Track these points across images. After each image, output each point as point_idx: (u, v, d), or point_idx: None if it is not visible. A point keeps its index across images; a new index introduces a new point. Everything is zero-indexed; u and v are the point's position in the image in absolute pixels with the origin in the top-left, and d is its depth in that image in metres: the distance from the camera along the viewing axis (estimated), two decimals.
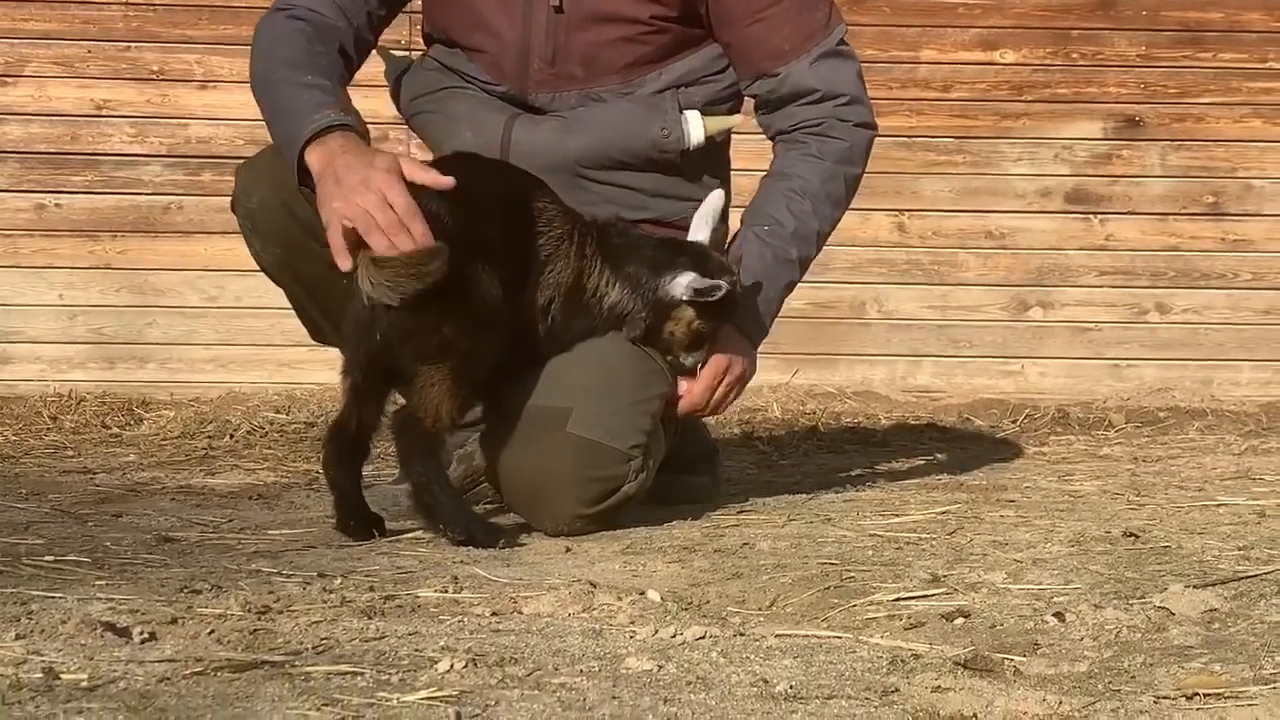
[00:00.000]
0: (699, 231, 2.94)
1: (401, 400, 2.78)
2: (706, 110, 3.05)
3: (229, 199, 4.76)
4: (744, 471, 3.79)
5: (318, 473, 3.54)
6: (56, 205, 4.99)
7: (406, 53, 3.22)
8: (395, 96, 3.19)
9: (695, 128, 3.01)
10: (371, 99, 3.46)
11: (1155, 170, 5.23)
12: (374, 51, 3.14)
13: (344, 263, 2.65)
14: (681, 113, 3.01)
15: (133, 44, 4.99)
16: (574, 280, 2.84)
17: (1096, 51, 5.21)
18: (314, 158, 2.73)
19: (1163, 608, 2.20)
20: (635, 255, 2.88)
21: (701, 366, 2.93)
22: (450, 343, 2.68)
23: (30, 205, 4.98)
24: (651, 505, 3.09)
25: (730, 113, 3.12)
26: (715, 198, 2.97)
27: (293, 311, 3.13)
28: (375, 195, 2.61)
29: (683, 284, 2.82)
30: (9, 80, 4.96)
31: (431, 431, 2.68)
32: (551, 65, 2.98)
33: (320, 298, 2.97)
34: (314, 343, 3.24)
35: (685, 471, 3.26)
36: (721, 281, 2.83)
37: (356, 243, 2.63)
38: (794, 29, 3.03)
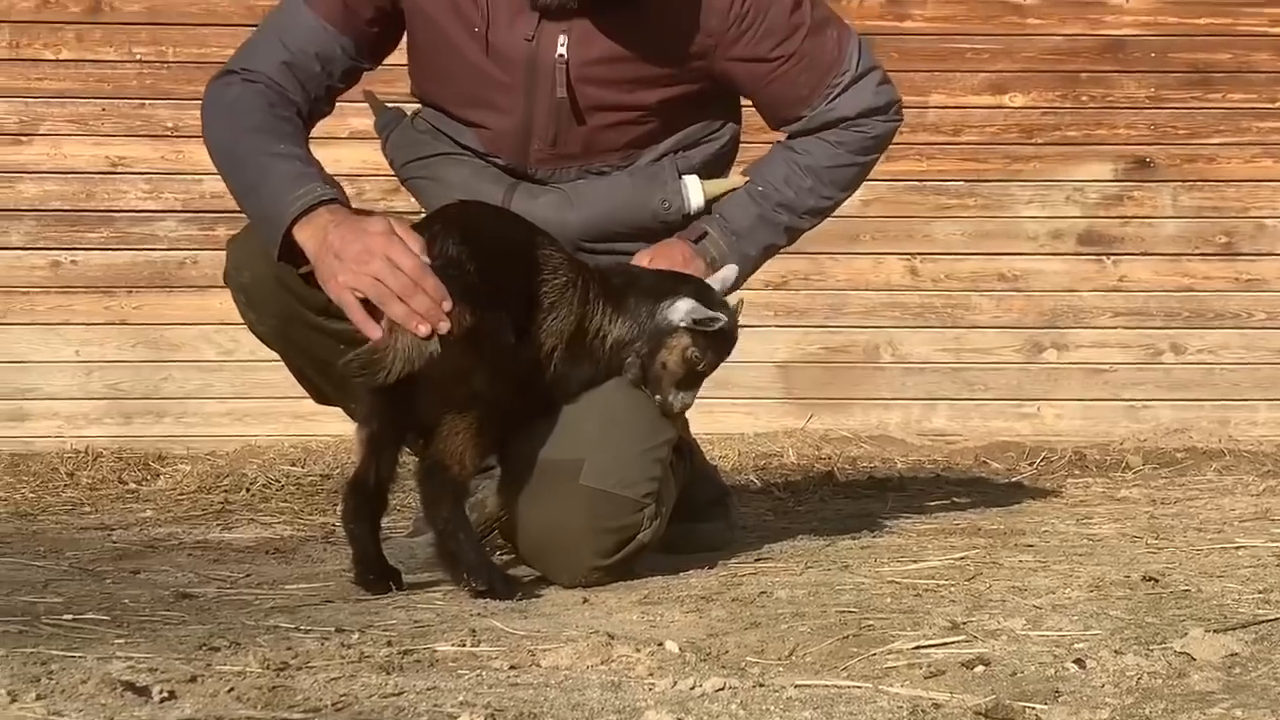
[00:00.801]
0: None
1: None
2: (705, 173, 3.05)
3: None
4: (760, 518, 3.78)
5: (334, 525, 3.55)
6: (72, 262, 5.01)
7: (397, 105, 3.18)
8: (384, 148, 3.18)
9: (695, 194, 3.01)
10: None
11: (1167, 211, 5.23)
12: (365, 100, 3.15)
13: (374, 332, 2.63)
14: (681, 179, 3.01)
15: (146, 101, 5.02)
16: (576, 326, 2.82)
17: (1105, 94, 5.23)
18: (305, 236, 2.71)
19: (1183, 653, 2.19)
20: (636, 287, 2.86)
21: None
22: (477, 392, 2.68)
23: (46, 262, 5.01)
24: (667, 554, 3.09)
25: (729, 167, 3.12)
26: (728, 271, 2.96)
27: None
28: (381, 261, 2.61)
29: (681, 310, 2.80)
30: (24, 139, 4.99)
31: (457, 479, 2.68)
32: (552, 146, 2.98)
33: (320, 363, 2.97)
34: None
35: (698, 518, 3.25)
36: (720, 314, 2.82)
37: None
38: (810, 74, 3.01)
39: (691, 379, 2.87)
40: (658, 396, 2.87)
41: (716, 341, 2.86)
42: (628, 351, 2.85)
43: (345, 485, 2.83)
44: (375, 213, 2.82)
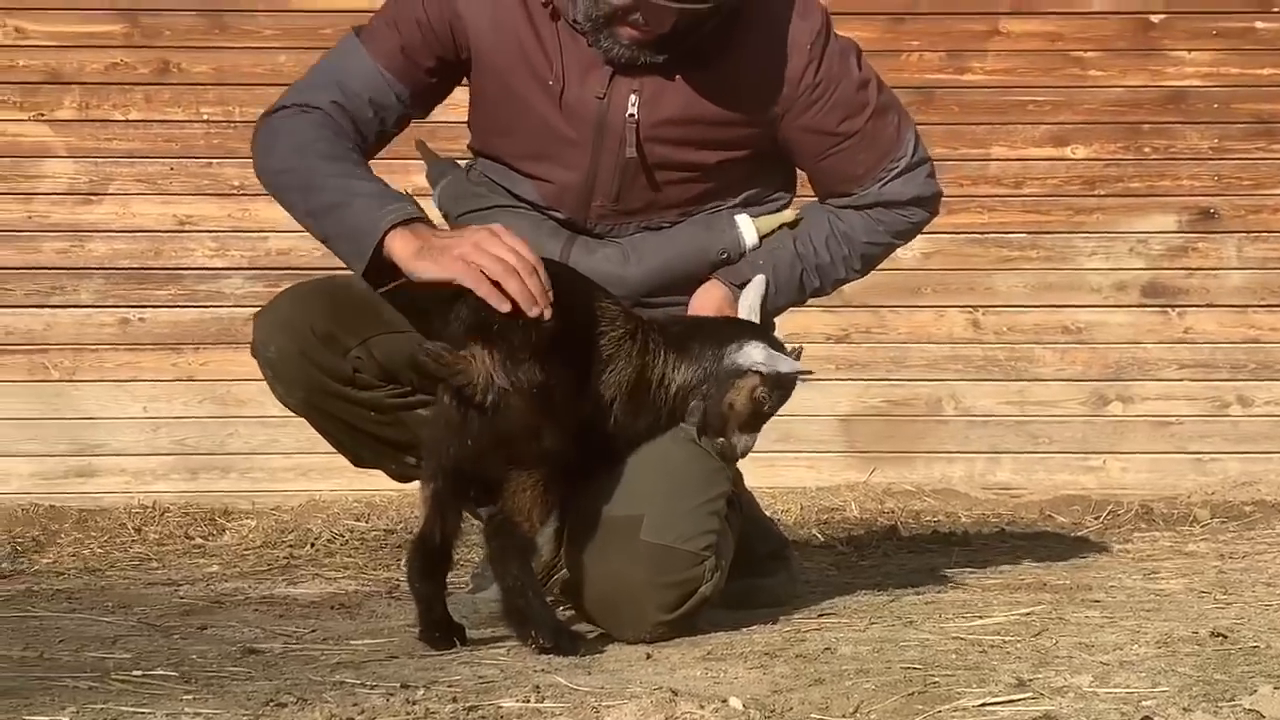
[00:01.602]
0: (747, 315, 2.96)
1: None
2: (755, 211, 3.06)
3: None
4: (823, 573, 3.76)
5: (398, 580, 3.56)
6: (140, 319, 5.06)
7: (449, 156, 3.19)
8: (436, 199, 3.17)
9: (749, 233, 3.01)
10: None
11: (1232, 262, 5.21)
12: (417, 150, 3.15)
13: (503, 305, 2.61)
14: (733, 221, 3.02)
15: (214, 161, 5.08)
16: (636, 377, 2.82)
17: (1168, 145, 5.22)
18: (399, 243, 2.69)
19: (1253, 710, 2.17)
20: (698, 333, 2.87)
21: None
22: (546, 450, 2.68)
23: (115, 320, 5.06)
24: (730, 610, 3.08)
25: (781, 208, 3.12)
26: (758, 283, 2.97)
27: None
28: (499, 245, 2.63)
29: (754, 354, 2.81)
30: (94, 198, 5.06)
31: (526, 535, 2.68)
32: (615, 202, 2.98)
33: (351, 429, 3.01)
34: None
35: (760, 573, 3.25)
36: (793, 359, 2.84)
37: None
38: (869, 154, 3.03)
39: (755, 421, 2.86)
40: (720, 439, 2.86)
41: (783, 384, 2.86)
42: (694, 395, 2.85)
43: (411, 544, 2.83)
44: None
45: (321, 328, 2.88)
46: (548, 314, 2.62)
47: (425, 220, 2.74)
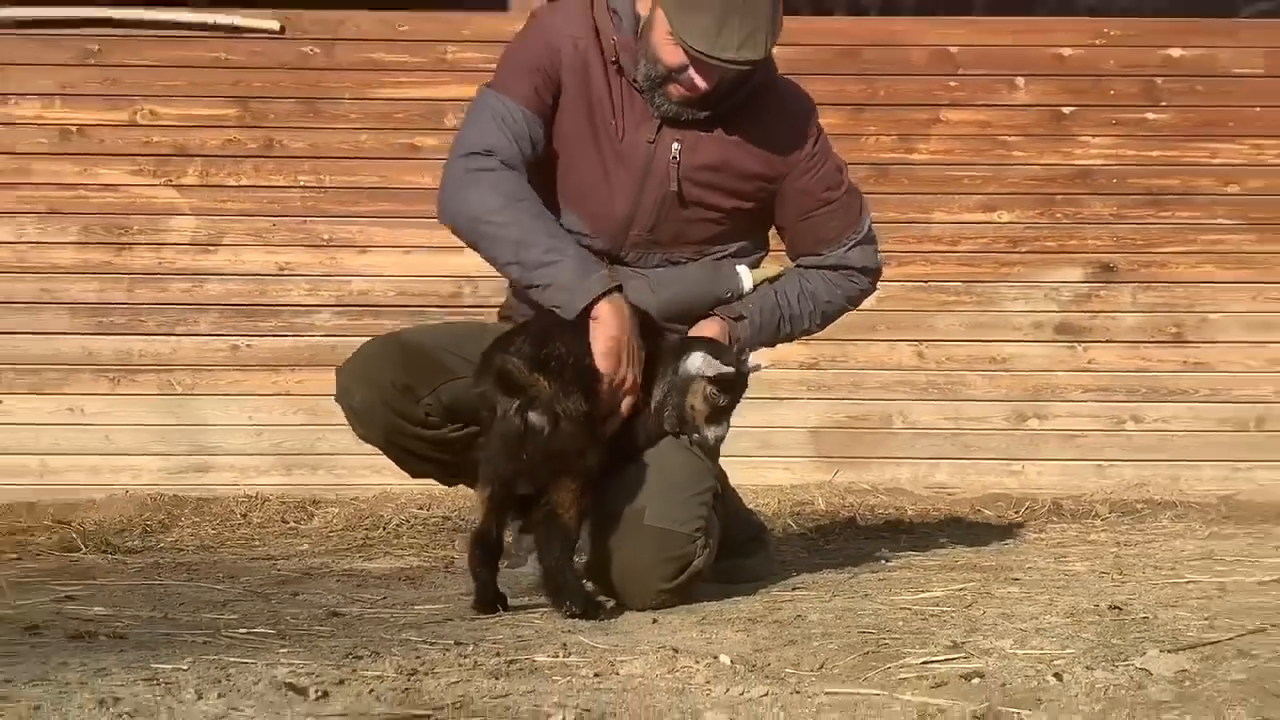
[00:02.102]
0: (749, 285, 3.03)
1: None
2: (749, 262, 3.09)
3: None
4: (796, 555, 3.76)
5: (453, 558, 3.57)
6: (248, 346, 5.07)
7: None
8: None
9: (747, 280, 3.05)
10: None
11: (1128, 307, 5.20)
12: None
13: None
14: (736, 269, 3.04)
15: (308, 218, 5.09)
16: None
17: (1076, 211, 5.21)
18: (609, 317, 2.75)
19: (1143, 669, 2.17)
20: (659, 357, 2.87)
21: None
22: (590, 467, 2.70)
23: (227, 346, 5.07)
24: (719, 585, 3.08)
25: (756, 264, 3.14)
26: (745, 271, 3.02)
27: None
28: (629, 370, 2.78)
29: (695, 362, 2.83)
30: (212, 248, 5.07)
31: (567, 525, 2.69)
32: (650, 233, 2.98)
33: (414, 455, 3.02)
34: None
35: (741, 554, 3.25)
36: (725, 366, 2.83)
37: None
38: (839, 221, 3.08)
39: (717, 414, 2.86)
40: (695, 434, 2.87)
41: (727, 382, 2.84)
42: (667, 406, 2.87)
43: (471, 538, 2.82)
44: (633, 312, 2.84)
45: (400, 381, 2.88)
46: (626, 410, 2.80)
47: (620, 288, 2.79)
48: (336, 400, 3.02)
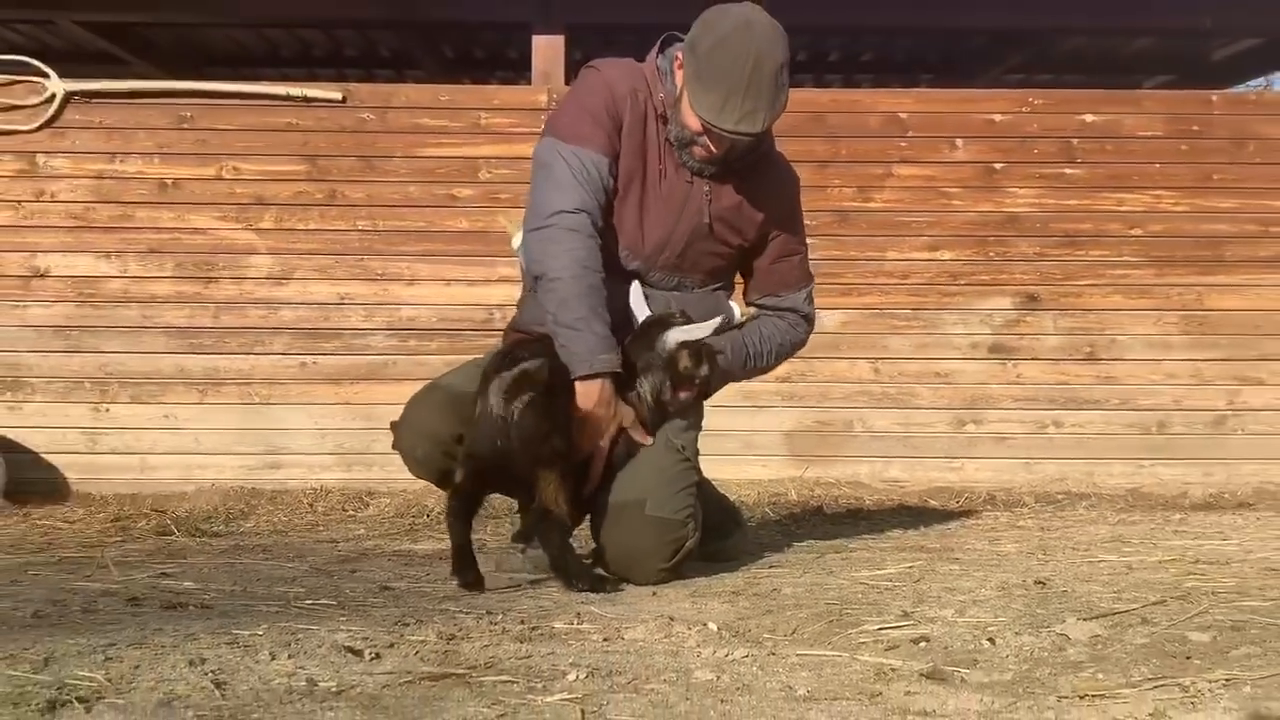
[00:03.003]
0: (641, 311, 2.90)
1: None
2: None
3: (428, 358, 4.87)
4: (772, 538, 3.75)
5: (485, 540, 3.56)
6: (314, 362, 5.08)
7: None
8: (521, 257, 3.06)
9: (737, 311, 3.05)
10: None
11: (1049, 330, 5.20)
12: (502, 221, 3.13)
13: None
14: (729, 303, 3.05)
15: (364, 256, 5.10)
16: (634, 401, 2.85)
17: (1006, 251, 5.22)
18: (586, 391, 2.72)
19: (1062, 634, 2.16)
20: (639, 347, 2.83)
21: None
22: (557, 450, 2.66)
23: (297, 363, 5.08)
24: (706, 564, 3.08)
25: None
26: (635, 287, 2.92)
27: None
28: (603, 439, 2.78)
29: (670, 339, 2.81)
30: (284, 281, 5.08)
31: (557, 517, 2.66)
32: (678, 257, 2.96)
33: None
34: None
35: (721, 537, 3.25)
36: (698, 335, 2.83)
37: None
38: (797, 272, 3.13)
39: (690, 381, 2.85)
40: (682, 394, 2.86)
41: (702, 351, 2.84)
42: (663, 392, 2.83)
43: (450, 494, 2.79)
44: (621, 406, 2.81)
45: (455, 433, 2.83)
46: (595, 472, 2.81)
47: (615, 374, 2.75)
48: (397, 448, 2.98)
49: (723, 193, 2.95)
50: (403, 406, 3.02)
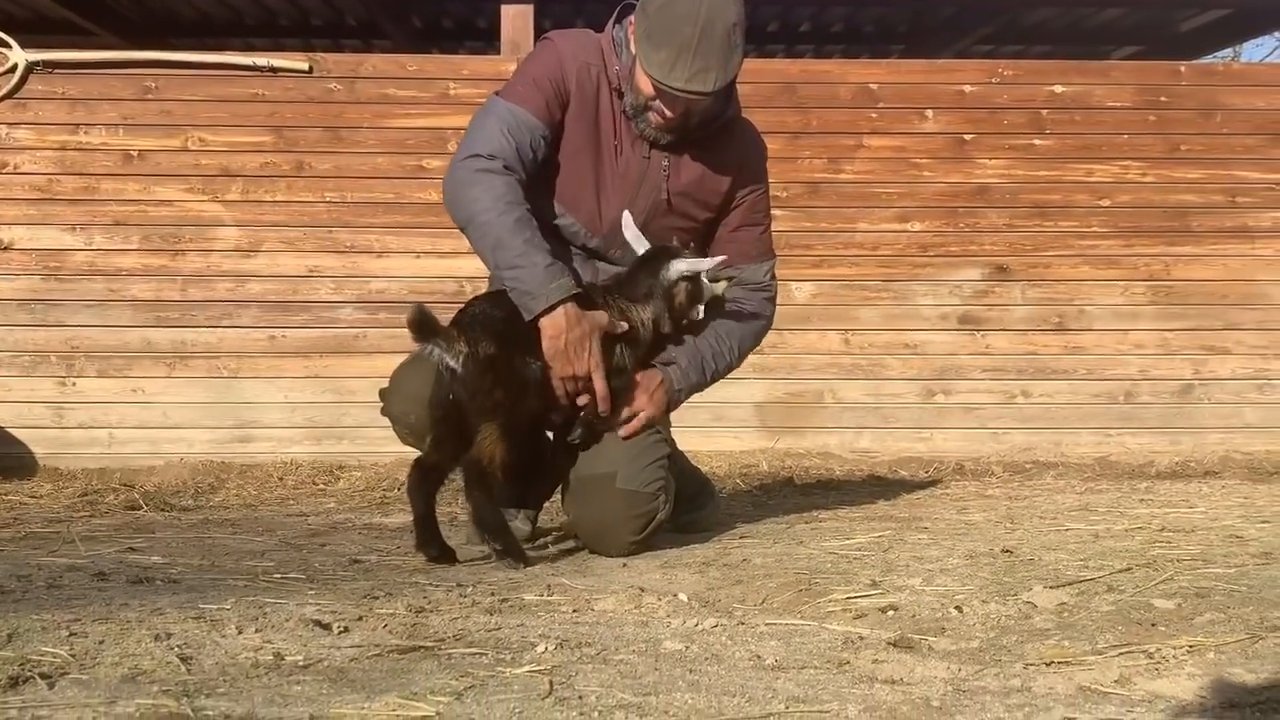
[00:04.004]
0: (639, 244, 2.85)
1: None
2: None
3: (398, 330, 4.83)
4: (743, 508, 3.76)
5: (456, 514, 3.54)
6: (283, 335, 5.04)
7: None
8: None
9: (715, 286, 2.99)
10: None
11: (1018, 300, 5.22)
12: None
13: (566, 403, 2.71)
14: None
15: (333, 228, 5.06)
16: (631, 329, 2.77)
17: (975, 222, 5.23)
18: (549, 324, 2.64)
19: (1029, 602, 2.18)
20: (640, 275, 2.79)
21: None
22: (499, 403, 2.59)
23: (266, 336, 5.04)
24: (678, 535, 3.08)
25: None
26: (626, 217, 2.86)
27: None
28: (575, 367, 2.66)
29: (678, 268, 2.76)
30: (252, 253, 5.04)
31: (485, 471, 2.58)
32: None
33: None
34: None
35: (693, 508, 3.24)
36: (698, 266, 2.77)
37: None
38: (761, 246, 3.06)
39: (694, 300, 2.81)
40: (685, 320, 2.83)
41: (701, 282, 2.81)
42: (660, 315, 2.79)
43: (413, 464, 2.74)
44: (589, 317, 2.69)
45: None
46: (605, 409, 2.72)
47: (578, 297, 2.67)
48: (385, 414, 2.93)
49: (682, 165, 2.90)
50: (373, 380, 3.00)
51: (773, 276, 3.09)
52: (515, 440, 2.62)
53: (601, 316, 2.70)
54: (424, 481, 2.71)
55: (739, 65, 2.75)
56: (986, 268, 5.21)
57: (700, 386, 2.98)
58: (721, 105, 2.87)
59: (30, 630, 1.89)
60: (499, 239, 2.67)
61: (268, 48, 6.46)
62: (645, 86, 2.77)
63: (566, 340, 2.65)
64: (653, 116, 2.81)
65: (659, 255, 2.81)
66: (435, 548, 2.69)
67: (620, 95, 2.85)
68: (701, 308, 2.83)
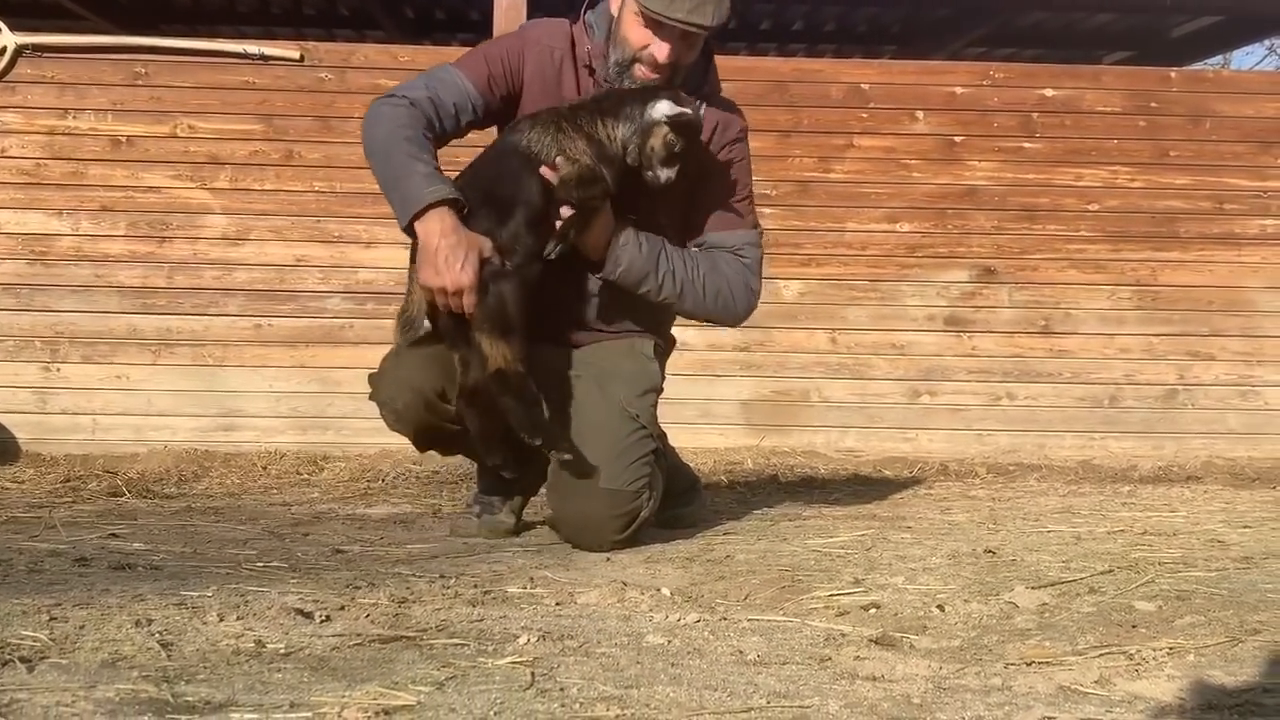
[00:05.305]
0: None
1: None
2: None
3: (385, 322, 4.83)
4: (727, 505, 3.76)
5: (440, 506, 3.55)
6: (270, 325, 5.02)
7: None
8: None
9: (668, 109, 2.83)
10: None
11: (1005, 303, 5.23)
12: None
13: (424, 324, 2.68)
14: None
15: (321, 218, 5.04)
16: (594, 147, 2.69)
17: (964, 223, 5.24)
18: (421, 229, 2.60)
19: (1010, 602, 2.19)
20: (626, 99, 2.73)
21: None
22: (491, 310, 2.59)
23: (252, 325, 5.02)
24: (662, 530, 3.08)
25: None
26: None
27: None
28: (453, 284, 2.58)
29: (661, 108, 2.68)
30: (240, 242, 5.01)
31: (504, 371, 2.59)
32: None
33: (429, 439, 2.93)
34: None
35: (679, 504, 3.24)
36: (689, 109, 2.69)
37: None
38: (735, 216, 2.96)
39: (672, 160, 2.72)
40: (649, 172, 2.73)
41: (688, 131, 2.71)
42: (630, 144, 2.70)
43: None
44: (470, 234, 2.62)
45: (437, 386, 2.81)
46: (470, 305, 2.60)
47: (453, 202, 2.62)
48: (374, 400, 2.90)
49: None
50: (359, 370, 2.99)
51: (754, 248, 2.95)
52: (515, 335, 2.61)
53: (486, 244, 2.62)
54: (473, 403, 2.69)
55: (729, 12, 2.74)
56: (974, 270, 5.22)
57: (646, 272, 2.80)
58: (700, 75, 2.88)
59: (10, 614, 1.88)
60: (386, 155, 2.68)
61: (260, 36, 6.44)
62: (635, 36, 2.76)
63: (438, 247, 2.57)
64: (640, 70, 2.78)
65: (655, 91, 2.73)
66: (499, 455, 2.73)
67: (592, 72, 2.86)
68: (672, 173, 2.71)
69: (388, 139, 2.70)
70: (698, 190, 2.93)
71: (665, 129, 2.70)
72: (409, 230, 2.66)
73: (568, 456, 2.70)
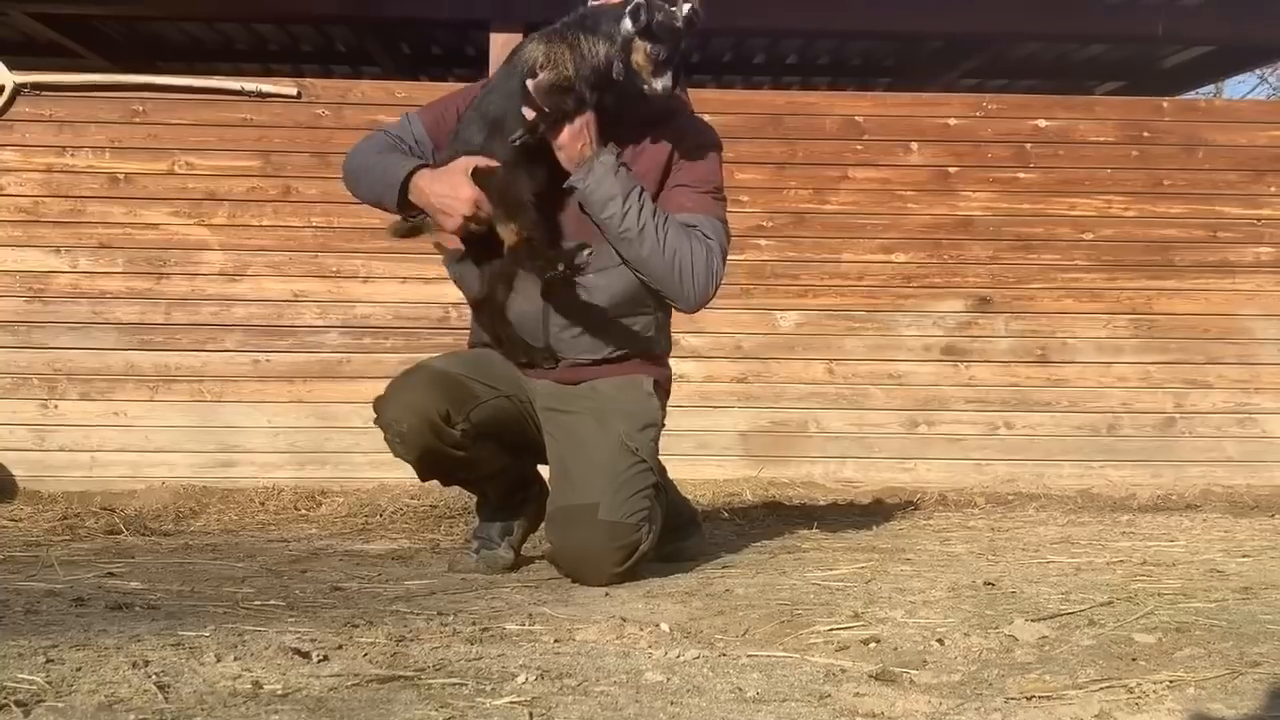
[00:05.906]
0: None
1: None
2: None
3: (383, 356, 4.84)
4: (726, 538, 3.74)
5: (439, 541, 3.53)
6: (267, 360, 5.03)
7: (458, 248, 3.01)
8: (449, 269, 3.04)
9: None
10: None
11: (1002, 333, 5.24)
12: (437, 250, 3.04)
13: (448, 240, 2.86)
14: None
15: (319, 253, 5.05)
16: (578, 58, 2.69)
17: (960, 254, 5.25)
18: (414, 195, 2.79)
19: (1010, 635, 2.17)
20: (603, 17, 2.71)
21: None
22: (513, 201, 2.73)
23: (250, 360, 5.02)
24: (661, 564, 3.07)
25: None
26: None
27: None
28: (467, 208, 2.75)
29: (626, 25, 2.63)
30: (238, 278, 5.03)
31: (528, 241, 2.73)
32: (574, 230, 2.84)
33: (434, 466, 2.92)
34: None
35: (679, 538, 3.23)
36: (658, 13, 2.62)
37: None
38: (697, 201, 2.87)
39: (660, 68, 2.67)
40: (645, 86, 2.70)
41: (668, 34, 2.63)
42: (616, 59, 2.67)
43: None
44: (447, 167, 2.80)
45: (442, 410, 2.81)
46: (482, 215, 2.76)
47: (424, 165, 2.81)
48: (380, 425, 2.87)
49: (624, 154, 2.81)
50: (357, 405, 2.99)
51: (717, 233, 2.85)
52: (524, 210, 2.73)
53: (466, 160, 2.78)
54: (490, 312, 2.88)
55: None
56: (970, 299, 5.23)
57: (614, 195, 2.73)
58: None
59: (6, 657, 1.87)
60: (366, 169, 2.90)
61: (257, 73, 6.47)
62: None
63: (435, 193, 2.77)
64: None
65: (625, 5, 2.67)
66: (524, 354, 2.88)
67: None
68: (668, 80, 2.65)
69: (361, 161, 2.92)
70: (668, 182, 2.89)
71: (644, 44, 2.66)
72: (408, 208, 2.82)
73: (589, 251, 2.70)
